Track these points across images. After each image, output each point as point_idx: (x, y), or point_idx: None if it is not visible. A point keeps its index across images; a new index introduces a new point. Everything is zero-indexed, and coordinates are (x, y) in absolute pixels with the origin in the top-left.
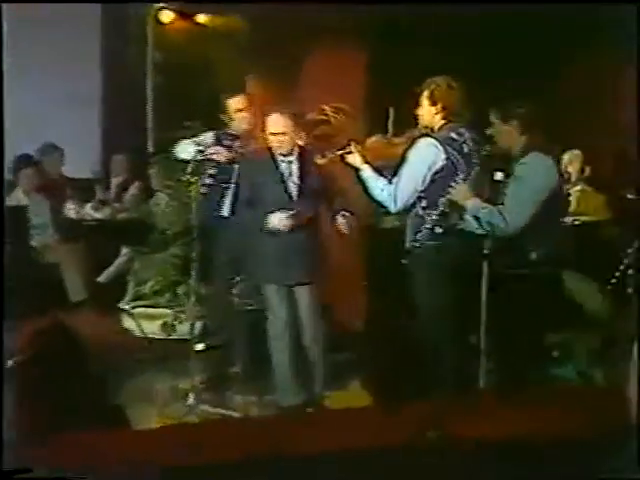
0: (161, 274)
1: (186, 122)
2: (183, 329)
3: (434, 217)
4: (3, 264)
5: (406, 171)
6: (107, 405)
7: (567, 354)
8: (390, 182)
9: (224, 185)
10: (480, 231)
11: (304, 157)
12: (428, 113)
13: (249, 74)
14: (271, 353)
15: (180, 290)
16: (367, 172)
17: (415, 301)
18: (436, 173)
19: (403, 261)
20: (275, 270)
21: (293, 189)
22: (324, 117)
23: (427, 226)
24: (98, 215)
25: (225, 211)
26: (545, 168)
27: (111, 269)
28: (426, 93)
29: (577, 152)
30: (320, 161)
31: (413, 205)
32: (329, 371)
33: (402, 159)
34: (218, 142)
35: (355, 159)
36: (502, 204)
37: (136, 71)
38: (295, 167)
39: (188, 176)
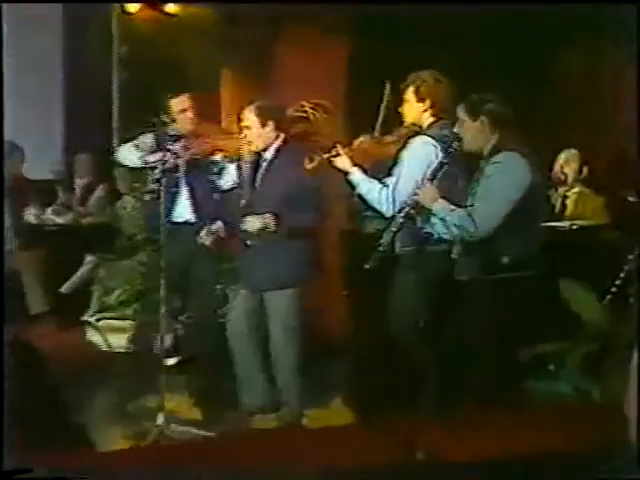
0: (128, 283)
1: (154, 118)
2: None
3: (399, 220)
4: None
5: (404, 172)
6: (69, 425)
7: (561, 367)
8: (385, 184)
9: (173, 190)
10: (447, 236)
11: (277, 158)
12: (415, 110)
13: (222, 68)
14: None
15: (148, 300)
16: (357, 175)
17: (393, 311)
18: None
19: (366, 266)
20: (240, 274)
21: (249, 193)
22: (303, 114)
23: (393, 229)
24: (60, 220)
25: (176, 216)
26: (517, 167)
27: (74, 278)
28: (412, 89)
29: (574, 152)
30: (309, 166)
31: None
32: (306, 387)
33: (396, 159)
34: (158, 144)
35: (343, 162)
36: (472, 206)
37: (101, 65)
38: (265, 165)
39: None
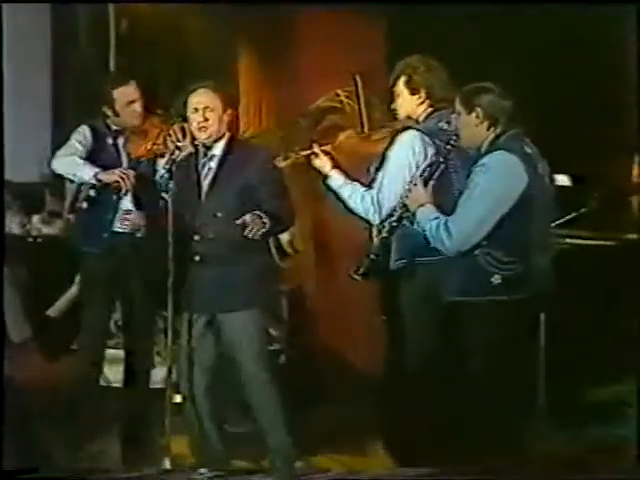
0: None
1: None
2: (157, 375)
3: (392, 225)
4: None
5: (389, 173)
6: (58, 470)
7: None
8: (370, 187)
9: (114, 196)
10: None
11: (230, 151)
12: (409, 103)
13: (235, 52)
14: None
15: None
16: (337, 179)
17: (400, 341)
18: (424, 172)
19: (355, 277)
20: (192, 295)
21: (204, 192)
22: (337, 104)
23: (384, 235)
24: (48, 230)
25: (117, 225)
26: (507, 171)
27: (64, 299)
28: (403, 80)
29: None
30: (282, 164)
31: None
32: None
33: (383, 158)
34: (97, 140)
35: (322, 163)
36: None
37: (93, 55)
38: (214, 164)
39: None
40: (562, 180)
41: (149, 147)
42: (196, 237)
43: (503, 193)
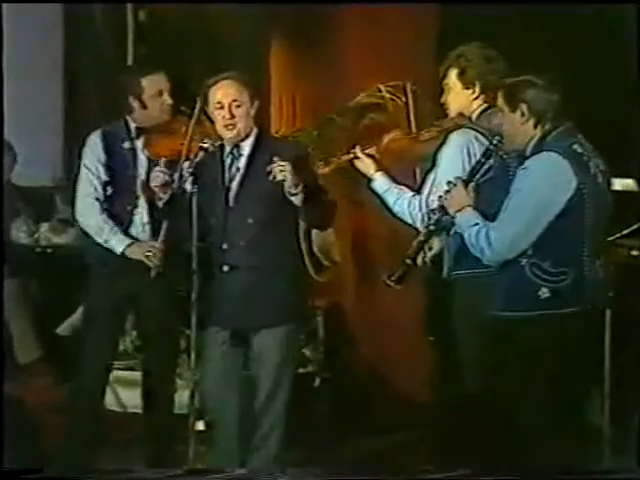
0: None
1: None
2: (180, 399)
3: (430, 228)
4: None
5: (441, 176)
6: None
7: None
8: (417, 193)
9: (128, 206)
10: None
11: (259, 148)
12: (462, 99)
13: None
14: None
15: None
16: (382, 183)
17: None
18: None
19: (388, 282)
20: (218, 309)
21: (232, 195)
22: (380, 101)
23: (421, 239)
24: (58, 239)
25: (135, 231)
26: (554, 174)
27: (75, 316)
28: (455, 72)
29: None
30: (324, 169)
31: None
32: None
33: (433, 160)
34: (110, 148)
35: (365, 166)
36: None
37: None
38: (242, 164)
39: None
40: (627, 184)
41: (174, 147)
42: (224, 245)
43: (549, 198)
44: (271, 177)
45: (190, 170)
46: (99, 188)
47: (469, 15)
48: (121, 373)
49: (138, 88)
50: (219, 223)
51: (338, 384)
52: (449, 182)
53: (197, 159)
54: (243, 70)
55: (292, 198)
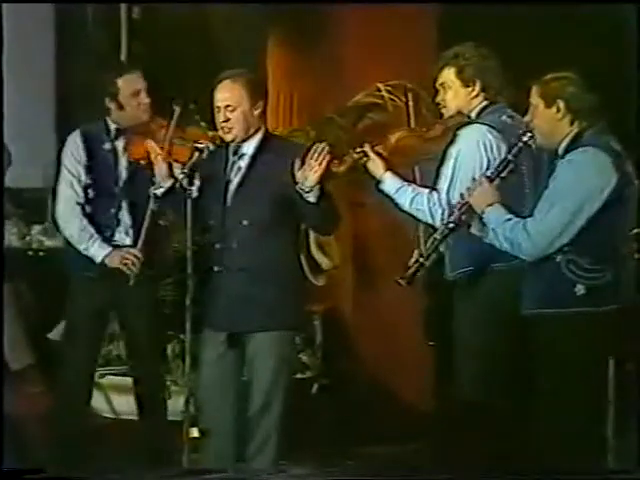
0: None
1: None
2: (174, 406)
3: (449, 227)
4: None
5: (459, 170)
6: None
7: None
8: (432, 189)
9: (111, 208)
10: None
11: (263, 149)
12: (461, 97)
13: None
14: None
15: (169, 349)
16: (393, 183)
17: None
18: (489, 169)
19: (400, 281)
20: (214, 312)
21: (230, 195)
22: (378, 100)
23: (437, 237)
24: (50, 242)
25: (114, 241)
26: (596, 168)
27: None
28: (453, 71)
29: None
30: (339, 168)
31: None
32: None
33: (444, 157)
34: (90, 149)
35: (375, 166)
36: (530, 216)
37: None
38: (243, 163)
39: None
40: None
41: (152, 147)
42: (217, 245)
43: (593, 191)
44: (301, 181)
45: (185, 172)
46: (79, 191)
47: (469, 15)
48: (114, 379)
49: (114, 89)
50: (217, 223)
51: (336, 390)
52: (474, 179)
53: (193, 160)
54: (237, 67)
55: (306, 195)
